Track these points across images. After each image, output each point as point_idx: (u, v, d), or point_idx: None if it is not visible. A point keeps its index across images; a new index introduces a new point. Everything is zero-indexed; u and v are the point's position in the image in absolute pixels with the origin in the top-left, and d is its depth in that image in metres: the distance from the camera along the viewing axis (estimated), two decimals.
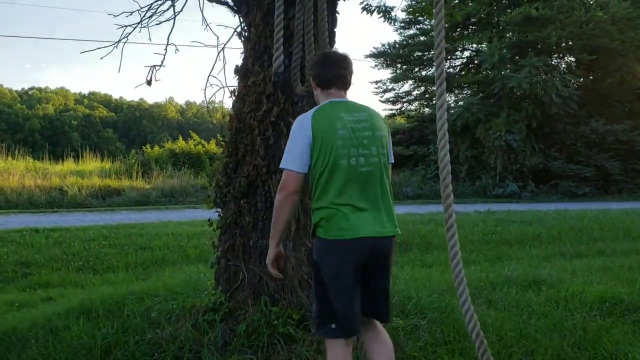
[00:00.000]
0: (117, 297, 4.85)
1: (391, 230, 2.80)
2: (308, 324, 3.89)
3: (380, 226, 2.75)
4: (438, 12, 2.82)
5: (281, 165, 2.75)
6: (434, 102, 28.64)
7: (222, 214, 4.31)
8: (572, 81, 25.48)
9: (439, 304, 4.71)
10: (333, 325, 2.70)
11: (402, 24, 28.42)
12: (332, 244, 2.70)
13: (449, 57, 29.63)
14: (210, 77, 4.72)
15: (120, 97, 77.66)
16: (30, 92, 72.38)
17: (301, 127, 2.75)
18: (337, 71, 2.88)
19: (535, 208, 16.48)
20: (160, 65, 4.84)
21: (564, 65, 27.64)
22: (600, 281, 6.02)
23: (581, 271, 6.71)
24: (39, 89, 74.12)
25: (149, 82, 4.71)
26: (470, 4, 25.98)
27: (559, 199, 22.72)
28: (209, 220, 4.49)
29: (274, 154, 4.13)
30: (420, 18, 25.95)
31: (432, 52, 24.90)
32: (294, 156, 2.72)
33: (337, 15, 4.41)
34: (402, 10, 24.39)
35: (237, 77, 4.43)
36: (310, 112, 2.81)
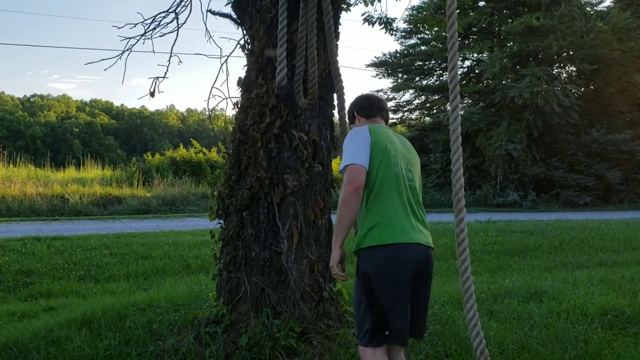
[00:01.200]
0: (119, 308, 4.84)
1: (431, 242, 2.93)
2: (310, 336, 3.90)
3: (426, 236, 2.88)
4: (451, 25, 2.84)
5: (347, 162, 2.78)
6: (434, 111, 28.77)
7: (224, 226, 4.33)
8: (573, 91, 25.57)
9: (440, 316, 4.71)
10: (387, 332, 2.73)
11: (403, 34, 28.53)
12: (388, 249, 2.72)
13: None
14: (213, 88, 4.77)
15: (122, 105, 78.09)
16: (32, 99, 72.66)
17: (360, 133, 2.88)
18: (380, 105, 3.22)
19: (536, 218, 16.47)
20: (163, 77, 4.87)
21: (564, 75, 27.73)
22: (602, 293, 5.99)
23: (583, 282, 6.69)
24: (41, 96, 74.45)
25: (152, 94, 4.74)
26: (471, 14, 26.09)
27: (560, 208, 22.73)
28: (211, 232, 4.51)
29: (276, 166, 4.15)
30: (421, 28, 26.00)
31: (433, 62, 24.92)
32: (359, 153, 2.79)
33: (339, 28, 4.44)
34: (404, 21, 24.46)
35: (240, 89, 4.46)
36: (364, 126, 2.97)
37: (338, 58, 4.11)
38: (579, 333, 4.40)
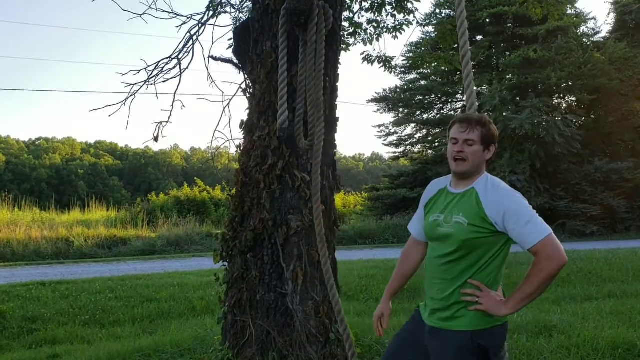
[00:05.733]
0: (125, 354, 4.80)
1: None
2: None
3: None
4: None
5: (548, 231, 2.53)
6: (436, 144, 28.93)
7: (228, 268, 4.32)
8: (574, 121, 25.67)
9: None
10: None
11: (403, 69, 28.89)
12: (505, 326, 2.74)
13: (449, 100, 30.04)
14: (216, 131, 4.84)
15: (126, 145, 78.57)
16: (37, 143, 73.33)
17: None
18: None
19: None
20: (167, 122, 4.95)
21: (565, 106, 27.88)
22: (612, 326, 5.91)
23: (592, 315, 6.61)
24: (46, 139, 75.11)
25: (155, 139, 4.81)
26: (469, 48, 26.40)
27: (567, 238, 22.56)
28: (215, 275, 4.50)
29: (279, 207, 4.17)
30: (419, 64, 26.31)
31: (433, 96, 25.13)
32: None
33: (338, 71, 4.52)
34: (402, 56, 24.80)
35: (242, 132, 4.52)
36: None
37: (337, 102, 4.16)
38: None
